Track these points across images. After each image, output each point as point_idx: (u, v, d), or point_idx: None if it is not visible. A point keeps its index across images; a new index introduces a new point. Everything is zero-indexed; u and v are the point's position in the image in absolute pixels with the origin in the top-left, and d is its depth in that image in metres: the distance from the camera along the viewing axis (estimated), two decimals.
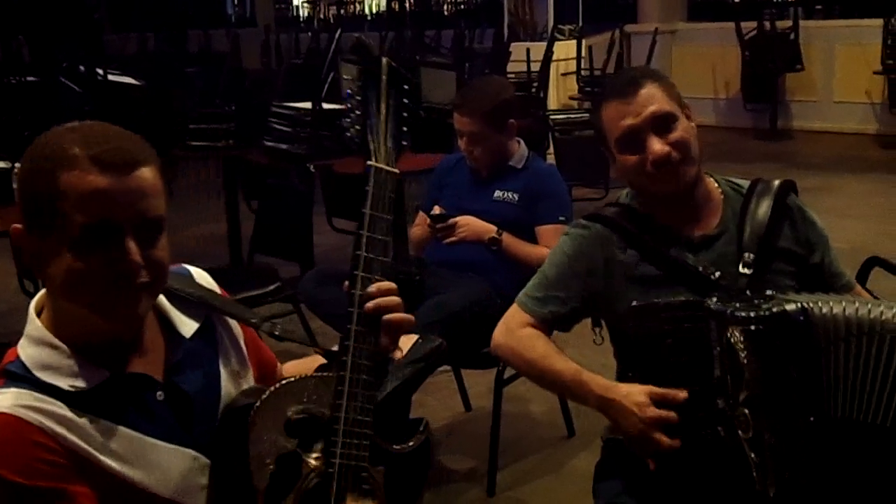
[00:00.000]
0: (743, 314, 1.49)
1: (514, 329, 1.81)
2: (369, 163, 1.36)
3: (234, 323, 1.40)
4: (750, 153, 8.06)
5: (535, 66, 7.53)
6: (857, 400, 1.50)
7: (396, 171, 1.37)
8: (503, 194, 2.93)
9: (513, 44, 8.42)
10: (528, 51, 7.71)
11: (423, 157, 3.73)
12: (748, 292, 1.60)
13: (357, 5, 17.76)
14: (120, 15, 14.78)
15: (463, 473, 2.98)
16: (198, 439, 1.29)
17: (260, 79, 8.59)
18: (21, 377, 1.19)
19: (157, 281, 1.21)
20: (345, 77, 1.38)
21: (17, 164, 3.35)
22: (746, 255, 1.66)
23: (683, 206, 1.73)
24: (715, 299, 1.54)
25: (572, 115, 5.72)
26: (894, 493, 1.52)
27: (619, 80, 1.75)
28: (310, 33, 11.43)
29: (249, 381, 1.39)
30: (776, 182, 1.76)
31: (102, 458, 1.19)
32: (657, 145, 1.65)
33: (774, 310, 1.49)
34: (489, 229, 2.81)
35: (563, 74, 8.69)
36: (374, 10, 17.41)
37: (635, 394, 1.57)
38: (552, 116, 5.54)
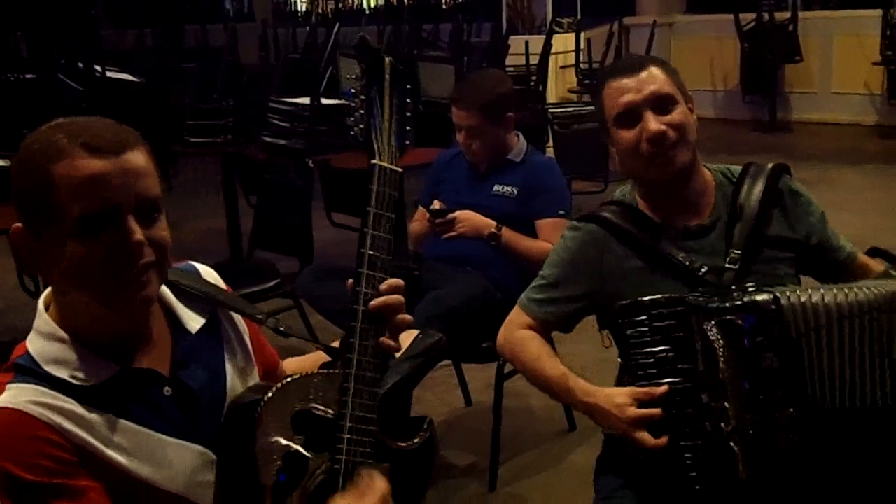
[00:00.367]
0: (715, 305, 1.53)
1: (514, 331, 1.84)
2: (373, 161, 1.36)
3: (239, 320, 1.40)
4: (749, 145, 8.06)
5: (534, 60, 7.52)
6: (839, 387, 1.52)
7: (400, 169, 1.38)
8: (502, 188, 2.92)
9: (511, 37, 8.40)
10: (526, 44, 7.70)
11: (421, 152, 3.73)
12: (733, 287, 1.62)
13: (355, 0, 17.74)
14: (117, 10, 14.74)
15: (463, 468, 2.98)
16: (204, 435, 1.29)
17: (258, 74, 8.58)
18: (30, 371, 1.20)
19: (162, 260, 1.21)
20: (348, 76, 1.39)
21: None
22: (733, 251, 1.67)
23: (678, 196, 1.74)
24: (696, 294, 1.57)
25: (571, 109, 5.72)
26: (883, 475, 1.54)
27: (623, 62, 1.78)
28: (307, 28, 11.40)
29: (255, 378, 1.40)
30: (767, 167, 1.77)
31: (110, 453, 1.20)
32: (653, 123, 1.67)
33: (745, 300, 1.53)
34: (488, 224, 2.81)
35: (562, 67, 8.68)
36: (371, 5, 17.39)
37: (615, 395, 1.60)
38: (551, 110, 5.54)
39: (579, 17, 9.41)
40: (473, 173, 2.99)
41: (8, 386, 1.19)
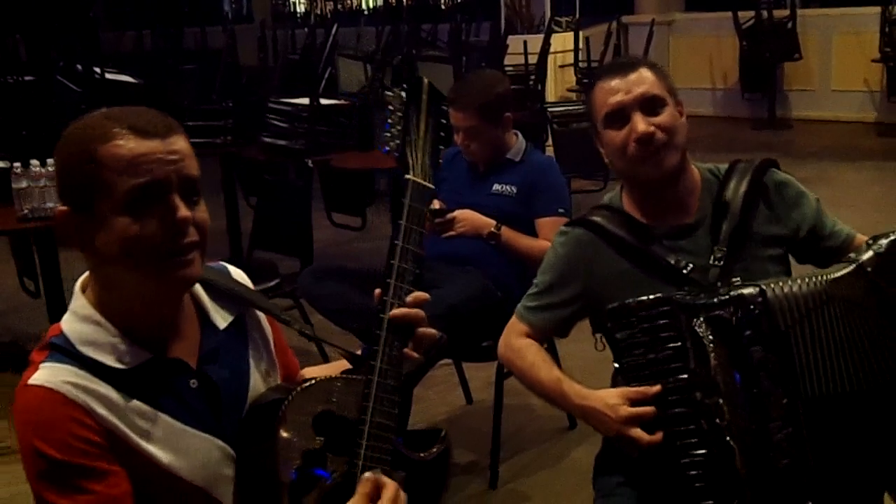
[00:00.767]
0: (702, 302, 1.55)
1: (512, 339, 1.86)
2: (407, 176, 1.40)
3: (264, 322, 1.43)
4: (748, 143, 8.06)
5: (533, 59, 7.52)
6: (825, 374, 1.53)
7: (432, 186, 1.42)
8: (501, 187, 2.92)
9: (510, 37, 8.40)
10: (525, 43, 7.70)
11: None
12: (718, 284, 1.63)
13: (353, 0, 17.74)
14: (116, 12, 14.75)
15: (464, 466, 2.98)
16: (225, 430, 1.31)
17: (257, 75, 8.58)
18: (65, 351, 1.22)
19: (203, 242, 1.24)
20: (388, 94, 1.46)
21: (15, 164, 3.37)
22: (717, 249, 1.69)
23: (666, 196, 1.75)
24: (683, 293, 1.58)
25: (570, 108, 5.71)
26: (875, 460, 1.55)
27: (614, 63, 1.81)
28: (306, 29, 11.40)
29: (276, 380, 1.42)
30: (753, 164, 1.78)
31: (136, 439, 1.22)
32: (641, 124, 1.68)
33: (732, 294, 1.54)
34: (488, 223, 2.81)
35: (561, 66, 8.67)
36: (370, 5, 17.39)
37: (608, 396, 1.61)
38: (550, 109, 5.53)
39: (578, 16, 9.41)
40: (473, 173, 2.99)
41: (42, 364, 1.21)
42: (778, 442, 1.52)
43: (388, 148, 1.44)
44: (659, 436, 1.55)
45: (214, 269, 1.40)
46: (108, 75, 6.29)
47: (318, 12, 16.65)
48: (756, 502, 1.51)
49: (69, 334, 1.24)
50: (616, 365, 1.66)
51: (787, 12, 9.02)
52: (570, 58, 8.71)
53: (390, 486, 1.26)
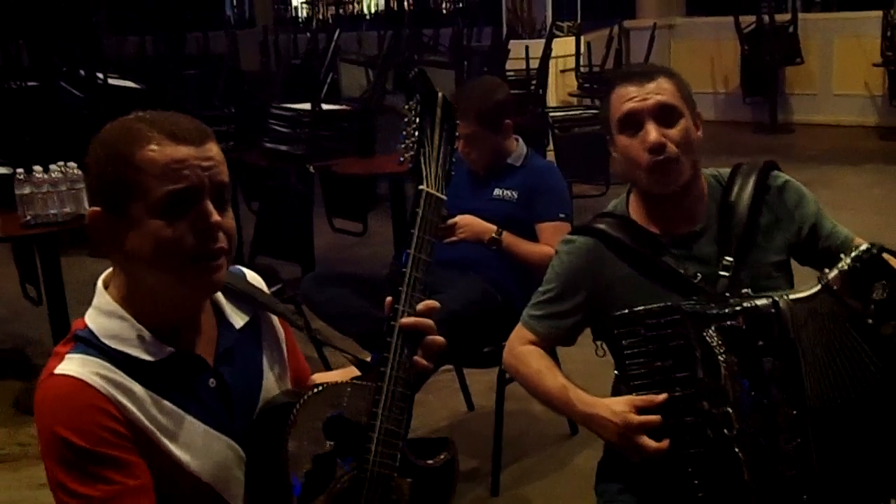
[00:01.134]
0: (716, 312, 1.54)
1: (517, 346, 1.85)
2: (421, 187, 1.43)
3: (278, 327, 1.45)
4: (749, 147, 8.05)
5: (534, 64, 7.52)
6: (830, 381, 1.54)
7: (444, 197, 1.45)
8: (502, 192, 2.92)
9: (511, 41, 8.41)
10: (526, 48, 7.70)
11: None
12: (727, 294, 1.62)
13: (355, 5, 17.77)
14: (118, 18, 14.76)
15: (465, 472, 2.98)
16: (238, 431, 1.33)
17: (259, 80, 8.59)
18: (91, 343, 1.24)
19: (231, 247, 1.27)
20: (404, 106, 1.50)
21: (18, 170, 3.37)
22: (725, 258, 1.68)
23: (675, 205, 1.74)
24: (692, 302, 1.58)
25: (572, 112, 5.72)
26: (879, 470, 1.55)
27: (635, 68, 1.79)
28: (308, 34, 11.41)
29: (287, 385, 1.44)
30: (755, 168, 1.77)
31: (158, 434, 1.24)
32: (654, 133, 1.66)
33: (746, 305, 1.54)
34: (489, 229, 2.81)
35: (562, 71, 8.68)
36: (372, 10, 17.42)
37: (614, 404, 1.60)
38: (552, 113, 5.54)
39: (579, 20, 9.41)
40: (474, 178, 2.99)
41: (68, 355, 1.23)
42: (786, 453, 1.51)
43: (402, 159, 1.47)
44: (665, 443, 1.54)
45: (231, 272, 1.41)
46: (110, 80, 6.30)
47: (320, 17, 16.68)
48: None
49: (94, 328, 1.25)
50: (617, 372, 1.66)
51: (788, 16, 9.02)
52: (571, 62, 8.72)
53: None
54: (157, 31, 12.68)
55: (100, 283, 1.30)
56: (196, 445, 1.27)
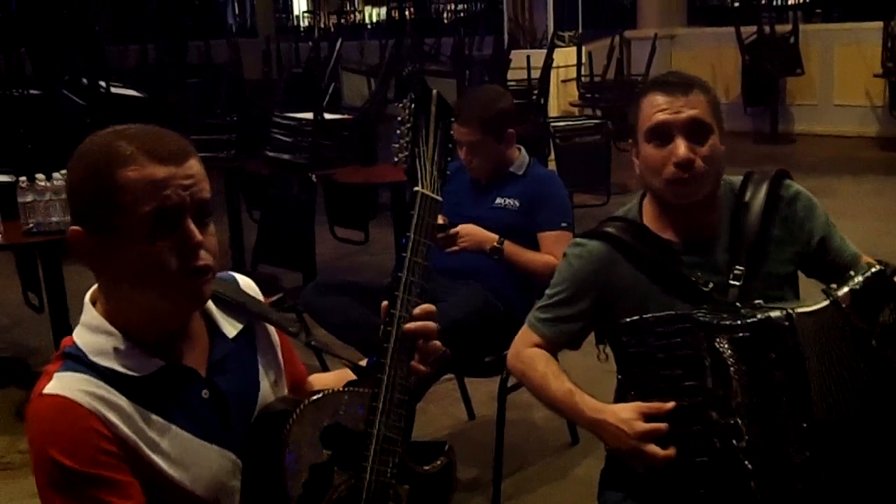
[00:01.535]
0: (728, 323, 1.52)
1: (521, 349, 1.84)
2: (416, 189, 1.40)
3: (272, 332, 1.44)
4: (750, 157, 8.05)
5: (536, 74, 7.54)
6: (836, 396, 1.52)
7: (440, 198, 1.42)
8: (504, 201, 2.93)
9: (513, 51, 8.43)
10: (528, 58, 7.72)
11: None
12: (738, 303, 1.61)
13: (357, 14, 17.82)
14: (120, 27, 14.82)
15: (466, 482, 2.98)
16: (234, 441, 1.32)
17: (260, 89, 8.61)
18: (79, 360, 1.23)
19: (214, 264, 1.26)
20: (397, 105, 1.46)
21: (21, 178, 3.38)
22: (736, 268, 1.67)
23: (689, 214, 1.73)
24: (703, 311, 1.56)
25: (573, 122, 5.73)
26: (888, 485, 1.55)
27: (671, 77, 1.75)
28: (310, 42, 11.45)
29: (284, 390, 1.43)
30: (766, 177, 1.76)
31: (146, 449, 1.23)
32: (683, 148, 1.65)
33: (759, 316, 1.52)
34: (490, 238, 2.81)
35: (564, 81, 8.70)
36: (373, 19, 17.47)
37: (622, 411, 1.59)
38: (553, 123, 5.56)
39: (580, 30, 9.44)
40: (475, 186, 3.00)
41: (56, 374, 1.22)
42: (795, 465, 1.50)
43: (396, 159, 1.44)
44: (672, 451, 1.53)
45: (223, 280, 1.41)
46: (112, 89, 6.32)
47: (322, 26, 16.73)
48: None
49: (82, 345, 1.25)
50: (620, 377, 1.66)
51: (789, 27, 9.05)
52: (572, 72, 8.74)
53: None
54: (159, 39, 12.72)
55: (87, 298, 1.29)
56: (188, 459, 1.26)
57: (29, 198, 3.36)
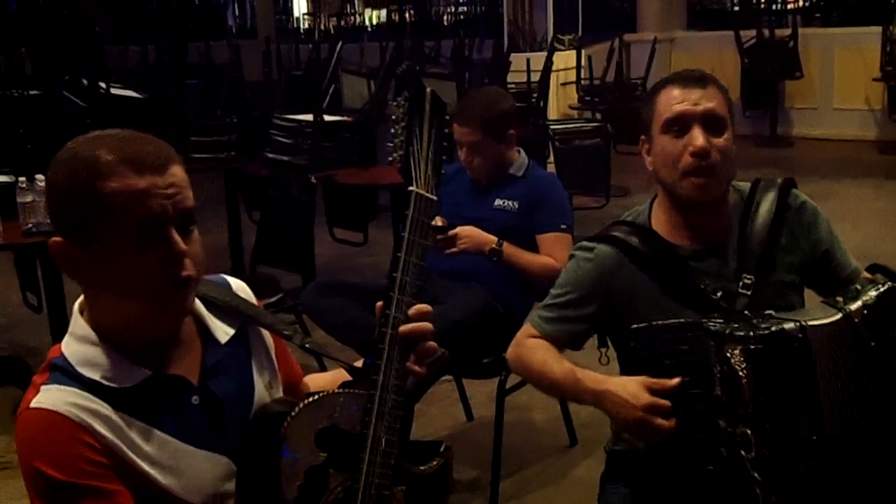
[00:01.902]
0: (741, 333, 1.50)
1: (523, 342, 1.84)
2: (411, 188, 1.39)
3: (266, 334, 1.43)
4: (750, 160, 8.07)
5: (535, 76, 7.55)
6: (845, 409, 1.52)
7: (435, 198, 1.41)
8: (503, 202, 2.93)
9: (512, 54, 8.43)
10: (527, 61, 7.72)
11: None
12: (747, 313, 1.60)
13: (357, 16, 17.83)
14: (120, 27, 14.82)
15: (465, 483, 2.98)
16: (229, 446, 1.31)
17: (261, 90, 8.61)
18: (65, 371, 1.22)
19: (198, 273, 1.24)
20: (391, 103, 1.45)
21: (20, 178, 3.38)
22: (746, 276, 1.67)
23: (701, 217, 1.73)
24: (713, 320, 1.55)
25: (572, 125, 5.74)
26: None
27: (689, 73, 1.76)
28: (310, 44, 11.45)
29: (279, 393, 1.42)
30: (775, 185, 1.77)
31: (136, 459, 1.22)
32: (700, 138, 1.65)
33: (773, 329, 1.51)
34: (490, 240, 2.82)
35: (563, 84, 8.70)
36: (373, 21, 17.48)
37: (628, 383, 1.58)
38: (552, 126, 5.56)
39: (580, 33, 9.44)
40: (475, 187, 3.00)
41: (43, 387, 1.22)
42: (802, 476, 1.49)
43: (391, 158, 1.43)
44: (674, 423, 1.52)
45: (214, 283, 1.40)
46: (112, 90, 6.32)
47: (322, 28, 16.73)
48: None
49: (68, 355, 1.24)
50: None
51: (788, 31, 9.06)
52: (572, 75, 8.74)
53: None
54: (160, 40, 12.71)
55: (76, 307, 1.28)
56: (179, 466, 1.25)
57: (28, 198, 3.36)
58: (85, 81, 6.40)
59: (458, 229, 2.82)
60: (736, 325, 1.52)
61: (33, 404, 1.20)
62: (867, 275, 1.75)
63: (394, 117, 1.43)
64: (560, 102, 8.67)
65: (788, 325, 1.51)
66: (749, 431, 1.49)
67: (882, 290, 1.57)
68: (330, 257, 5.15)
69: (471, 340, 2.71)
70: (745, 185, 1.80)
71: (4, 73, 7.22)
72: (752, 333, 1.50)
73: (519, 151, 3.02)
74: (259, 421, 1.33)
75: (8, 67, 7.32)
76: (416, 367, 1.37)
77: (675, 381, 1.54)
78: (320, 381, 1.53)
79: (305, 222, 3.65)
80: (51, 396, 1.19)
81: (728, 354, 1.50)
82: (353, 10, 18.02)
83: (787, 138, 9.19)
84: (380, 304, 1.36)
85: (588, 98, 8.49)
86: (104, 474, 1.18)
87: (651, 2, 10.39)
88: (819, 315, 1.56)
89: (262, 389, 1.38)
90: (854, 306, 1.55)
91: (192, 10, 17.42)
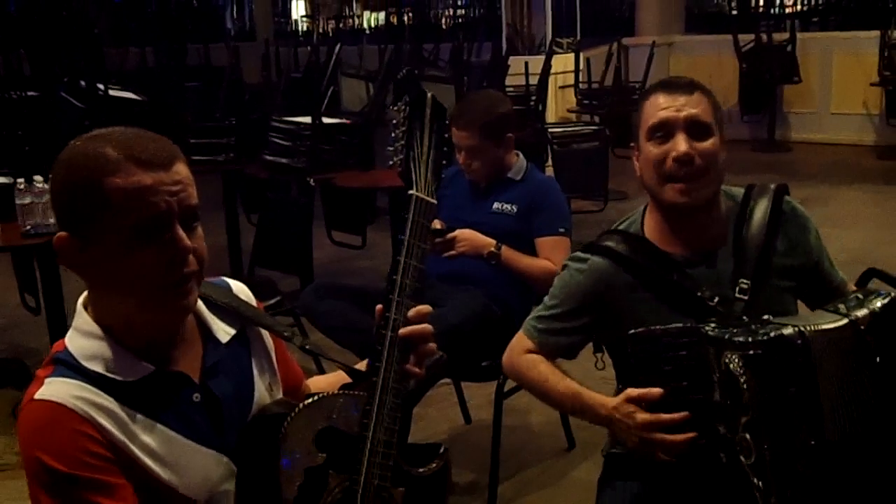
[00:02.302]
0: (741, 339, 1.50)
1: (518, 354, 1.85)
2: (411, 192, 1.40)
3: (266, 336, 1.44)
4: (748, 164, 8.08)
5: (534, 80, 7.56)
6: (845, 415, 1.51)
7: (435, 201, 1.42)
8: (502, 206, 2.94)
9: (511, 57, 8.44)
10: (526, 64, 7.74)
11: None
12: (745, 318, 1.60)
13: (355, 19, 17.84)
14: (119, 29, 14.83)
15: (463, 486, 2.98)
16: (228, 445, 1.32)
17: (259, 92, 8.62)
18: (69, 365, 1.23)
19: (201, 270, 1.25)
20: (392, 109, 1.47)
21: (19, 180, 3.38)
22: (742, 281, 1.67)
23: (692, 223, 1.73)
24: (712, 325, 1.55)
25: (571, 128, 5.74)
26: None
27: (674, 79, 1.78)
28: (309, 47, 11.46)
29: (279, 394, 1.43)
30: (769, 190, 1.77)
31: (138, 453, 1.23)
32: (683, 144, 1.66)
33: (772, 334, 1.50)
34: (488, 243, 2.82)
35: (562, 87, 8.71)
36: (372, 24, 17.49)
37: (619, 404, 1.60)
38: (550, 129, 5.56)
39: (578, 37, 9.46)
40: (474, 191, 3.01)
41: (47, 379, 1.22)
42: (803, 481, 1.49)
43: (391, 162, 1.44)
44: (690, 435, 1.52)
45: (215, 285, 1.41)
46: (111, 92, 6.32)
47: (321, 31, 16.74)
48: None
49: (73, 349, 1.25)
50: (620, 386, 1.66)
51: (786, 35, 9.07)
52: (570, 79, 8.75)
53: None
54: (159, 42, 12.72)
55: (80, 303, 1.29)
56: (180, 461, 1.26)
57: (27, 199, 3.36)
58: (84, 83, 6.41)
59: (457, 232, 2.82)
60: (735, 331, 1.52)
61: (37, 396, 1.20)
62: (853, 287, 1.76)
63: (394, 122, 1.44)
64: (558, 106, 8.68)
65: (788, 331, 1.50)
66: (749, 437, 1.49)
67: (888, 300, 1.57)
68: (328, 260, 5.15)
69: (469, 344, 2.71)
70: (739, 191, 1.80)
71: (3, 75, 7.23)
72: (751, 339, 1.50)
73: (517, 155, 3.02)
74: (258, 422, 1.34)
75: (7, 69, 7.33)
76: (416, 369, 1.37)
77: (658, 390, 1.54)
78: (321, 383, 1.54)
79: (304, 225, 3.65)
80: (55, 389, 1.20)
81: (727, 360, 1.50)
82: (351, 13, 18.03)
83: (785, 143, 9.20)
84: (379, 307, 1.37)
85: (586, 101, 8.50)
86: (107, 467, 1.18)
87: (649, 6, 10.40)
88: (822, 320, 1.55)
89: (263, 391, 1.38)
90: (860, 313, 1.54)
91: (191, 12, 17.43)
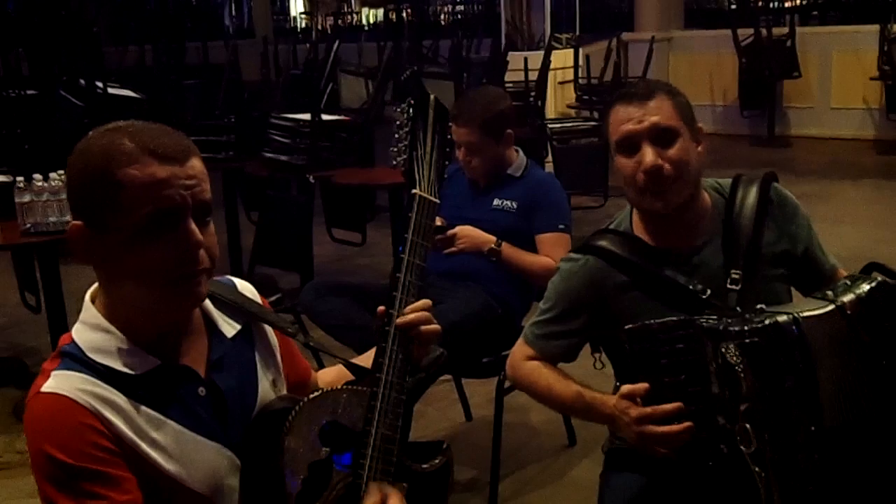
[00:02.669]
0: (736, 328, 1.51)
1: (520, 361, 1.85)
2: (414, 191, 1.42)
3: (271, 333, 1.45)
4: (747, 160, 8.08)
5: (533, 76, 7.55)
6: (843, 401, 1.52)
7: (437, 200, 1.44)
8: (502, 203, 2.93)
9: (510, 53, 8.44)
10: (525, 60, 7.73)
11: None
12: (738, 308, 1.61)
13: (354, 16, 17.83)
14: (118, 27, 14.82)
15: (464, 483, 2.98)
16: (232, 439, 1.32)
17: (259, 90, 8.62)
18: (76, 358, 1.24)
19: (213, 265, 1.26)
20: (393, 109, 1.50)
21: (19, 178, 3.38)
22: (734, 271, 1.67)
23: (676, 222, 1.74)
24: (706, 317, 1.56)
25: (570, 124, 5.74)
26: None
27: (634, 87, 1.77)
28: (308, 44, 11.45)
29: (283, 390, 1.44)
30: (756, 179, 1.77)
31: (144, 446, 1.23)
32: (650, 156, 1.66)
33: (767, 322, 1.51)
34: (488, 240, 2.82)
35: (561, 83, 8.71)
36: (371, 21, 17.48)
37: (617, 402, 1.60)
38: (550, 125, 5.56)
39: (578, 33, 9.45)
40: (473, 188, 3.00)
41: (54, 372, 1.23)
42: (804, 469, 1.49)
43: (395, 162, 1.46)
44: (687, 425, 1.52)
45: (221, 283, 1.42)
46: (110, 90, 6.32)
47: (319, 28, 16.73)
48: None
49: (80, 342, 1.26)
50: (618, 383, 1.66)
51: (786, 30, 9.07)
52: (570, 74, 8.75)
53: (394, 496, 1.29)
54: (158, 40, 12.71)
55: (87, 296, 1.30)
56: (186, 455, 1.27)
57: (26, 198, 3.36)
58: (83, 82, 6.40)
59: (457, 229, 2.82)
60: (730, 321, 1.53)
61: (44, 389, 1.21)
62: (843, 272, 1.77)
63: (398, 122, 1.46)
64: (558, 101, 8.68)
65: (782, 318, 1.51)
66: (748, 426, 1.49)
67: (874, 283, 1.57)
68: (328, 257, 5.15)
69: (470, 341, 2.71)
70: (726, 182, 1.80)
71: (2, 74, 7.22)
72: (746, 328, 1.50)
73: (517, 151, 3.02)
74: (262, 417, 1.35)
75: (5, 67, 7.32)
76: (418, 353, 1.39)
77: (644, 385, 1.54)
78: (328, 376, 1.56)
79: (304, 223, 3.65)
80: (61, 381, 1.21)
81: (724, 350, 1.50)
82: (350, 10, 18.02)
83: (785, 138, 9.20)
84: (381, 308, 1.38)
85: (586, 97, 8.50)
86: (112, 460, 1.19)
87: (649, 1, 10.40)
88: (810, 307, 1.56)
89: (267, 386, 1.39)
90: (847, 298, 1.55)
91: (190, 10, 17.42)
